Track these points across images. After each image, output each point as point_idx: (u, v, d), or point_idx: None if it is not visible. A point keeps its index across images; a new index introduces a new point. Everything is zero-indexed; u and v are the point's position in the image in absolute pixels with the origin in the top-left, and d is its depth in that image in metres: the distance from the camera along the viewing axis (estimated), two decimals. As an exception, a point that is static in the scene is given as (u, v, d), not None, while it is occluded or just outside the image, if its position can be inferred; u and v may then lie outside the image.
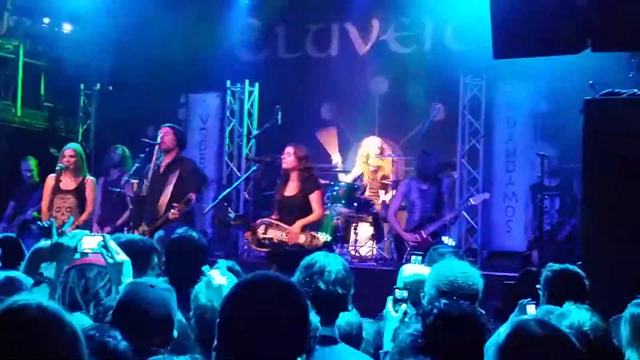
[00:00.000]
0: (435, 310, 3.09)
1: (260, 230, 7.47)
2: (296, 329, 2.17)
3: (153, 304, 3.02)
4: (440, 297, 3.65)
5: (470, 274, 3.79)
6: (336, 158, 10.48)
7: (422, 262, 5.00)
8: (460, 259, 4.84)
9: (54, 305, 1.91)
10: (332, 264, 3.67)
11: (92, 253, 3.45)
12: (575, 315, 3.49)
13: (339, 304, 3.60)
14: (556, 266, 4.65)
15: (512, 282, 5.87)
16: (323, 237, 7.34)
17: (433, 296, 3.74)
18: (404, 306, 3.88)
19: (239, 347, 2.12)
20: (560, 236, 7.91)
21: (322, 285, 3.57)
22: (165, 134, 7.84)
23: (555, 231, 7.91)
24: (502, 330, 2.27)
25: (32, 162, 8.89)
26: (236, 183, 10.12)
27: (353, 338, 3.97)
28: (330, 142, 10.77)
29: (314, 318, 2.86)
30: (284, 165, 7.51)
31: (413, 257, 5.16)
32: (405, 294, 3.92)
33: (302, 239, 7.23)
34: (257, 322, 2.12)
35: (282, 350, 2.12)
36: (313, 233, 7.30)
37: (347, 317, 3.86)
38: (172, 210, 7.43)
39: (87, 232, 3.49)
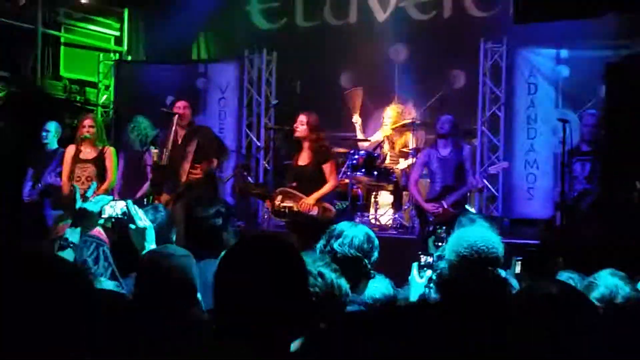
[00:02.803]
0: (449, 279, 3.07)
1: (278, 199, 7.46)
2: (289, 292, 2.16)
3: (172, 270, 3.04)
4: (460, 261, 3.65)
5: (491, 239, 3.77)
6: (356, 118, 10.39)
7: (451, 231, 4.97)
8: (490, 225, 4.83)
9: None
10: (353, 230, 3.70)
11: (115, 218, 3.48)
12: (605, 284, 3.46)
13: (356, 268, 3.59)
14: None
15: (533, 249, 5.84)
16: (335, 208, 7.36)
17: (452, 261, 3.73)
18: (429, 272, 3.88)
19: (231, 310, 2.13)
20: (583, 204, 7.81)
21: (337, 248, 3.60)
22: (185, 107, 7.84)
23: (581, 198, 7.81)
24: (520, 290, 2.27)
25: (52, 125, 8.90)
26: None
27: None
28: (355, 102, 10.68)
29: (344, 284, 2.86)
30: (297, 134, 7.47)
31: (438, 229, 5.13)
32: (430, 259, 3.92)
33: (314, 210, 7.23)
34: (246, 286, 2.12)
35: (278, 314, 2.12)
36: (326, 205, 7.29)
37: (382, 289, 3.85)
38: (194, 171, 7.45)
39: (110, 197, 3.51)
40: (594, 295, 3.50)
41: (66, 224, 3.46)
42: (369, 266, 3.69)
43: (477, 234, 3.81)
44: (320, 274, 2.77)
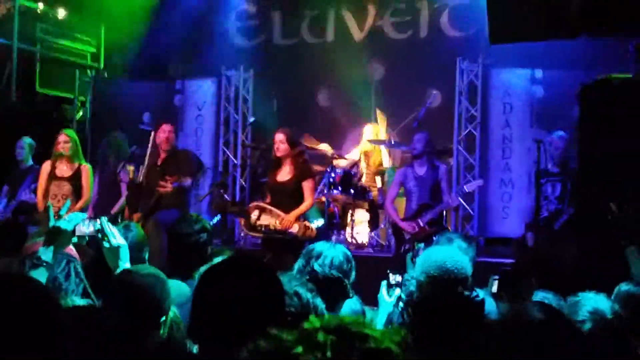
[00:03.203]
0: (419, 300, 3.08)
1: (254, 214, 7.38)
2: (266, 312, 2.18)
3: (140, 290, 3.03)
4: (429, 282, 3.67)
5: (459, 259, 3.78)
6: (323, 146, 10.43)
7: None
8: (469, 245, 4.86)
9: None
10: (331, 250, 3.75)
11: (89, 236, 3.45)
12: (594, 302, 3.48)
13: (337, 288, 3.64)
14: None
15: (508, 268, 5.87)
16: (316, 224, 7.32)
17: (422, 282, 3.74)
18: (397, 291, 3.89)
19: (209, 329, 2.16)
20: (557, 224, 7.89)
21: (318, 268, 3.64)
22: (170, 132, 7.78)
23: (553, 218, 7.90)
24: (501, 313, 2.27)
25: (26, 141, 8.83)
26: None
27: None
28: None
29: (320, 304, 2.88)
30: (278, 154, 7.36)
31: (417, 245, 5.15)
32: (399, 278, 3.93)
33: (295, 228, 7.14)
34: (224, 305, 2.17)
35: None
36: (307, 223, 7.23)
37: (351, 305, 3.87)
38: (163, 184, 7.36)
39: (84, 215, 3.49)
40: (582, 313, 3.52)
41: (39, 242, 3.43)
42: (349, 286, 3.72)
43: (445, 254, 3.82)
44: (296, 294, 2.78)
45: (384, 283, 3.95)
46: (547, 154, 8.15)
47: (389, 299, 3.89)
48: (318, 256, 3.70)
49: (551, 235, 7.76)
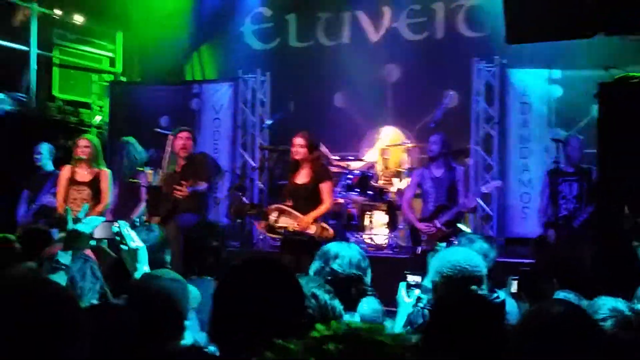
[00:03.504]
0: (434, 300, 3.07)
1: (273, 216, 7.41)
2: (287, 313, 2.19)
3: (163, 295, 3.03)
4: (444, 281, 3.66)
5: (473, 258, 3.77)
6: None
7: None
8: (490, 245, 4.85)
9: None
10: (347, 249, 3.79)
11: (108, 239, 3.49)
12: (614, 302, 3.46)
13: (356, 287, 3.66)
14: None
15: (527, 268, 5.85)
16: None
17: (437, 282, 3.74)
18: (417, 291, 3.88)
19: (229, 331, 2.17)
20: (576, 222, 7.86)
21: (338, 268, 3.68)
22: (187, 139, 7.83)
23: (572, 217, 7.87)
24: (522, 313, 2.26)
25: (44, 147, 8.90)
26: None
27: (379, 326, 3.97)
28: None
29: (338, 305, 2.88)
30: (297, 157, 7.40)
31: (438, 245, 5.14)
32: (417, 279, 3.91)
33: (312, 229, 7.18)
34: (245, 306, 2.17)
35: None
36: (324, 224, 7.26)
37: (372, 305, 3.88)
38: (180, 188, 7.43)
39: (102, 218, 3.51)
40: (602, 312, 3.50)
41: (58, 245, 3.45)
42: (368, 283, 3.75)
43: (459, 253, 3.81)
44: (314, 296, 2.78)
45: (402, 284, 3.95)
46: (563, 153, 8.12)
47: (408, 299, 3.88)
48: (335, 257, 3.73)
49: (571, 234, 7.73)
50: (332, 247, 3.84)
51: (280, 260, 2.40)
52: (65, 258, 3.24)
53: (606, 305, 3.37)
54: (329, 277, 3.58)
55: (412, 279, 3.92)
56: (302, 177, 7.40)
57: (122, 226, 3.48)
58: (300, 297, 2.32)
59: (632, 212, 6.03)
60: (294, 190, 7.42)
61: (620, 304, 3.46)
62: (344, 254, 3.75)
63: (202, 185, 7.64)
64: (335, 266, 3.69)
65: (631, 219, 5.98)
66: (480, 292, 3.51)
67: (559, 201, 7.86)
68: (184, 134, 7.85)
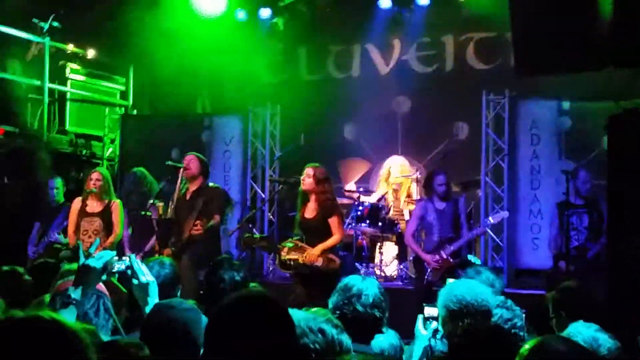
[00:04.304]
0: (459, 331, 3.07)
1: (284, 251, 7.49)
2: (277, 350, 2.19)
3: (174, 324, 3.04)
4: (450, 316, 3.67)
5: (480, 292, 3.77)
6: (350, 186, 10.51)
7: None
8: (497, 276, 4.84)
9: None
10: (370, 287, 3.81)
11: (119, 273, 3.49)
12: (583, 338, 3.45)
13: (375, 326, 3.70)
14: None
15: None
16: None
17: (444, 316, 3.74)
18: (434, 324, 3.86)
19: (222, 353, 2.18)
20: (589, 254, 7.84)
21: (360, 308, 3.71)
22: (190, 161, 7.86)
23: (585, 248, 7.84)
24: (526, 346, 2.26)
25: (58, 181, 8.98)
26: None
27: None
28: (354, 171, 10.83)
29: (346, 340, 2.88)
30: (303, 187, 7.49)
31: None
32: (434, 311, 3.89)
33: (319, 262, 7.24)
34: (234, 344, 2.17)
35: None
36: (331, 256, 7.30)
37: (390, 340, 3.86)
38: (194, 227, 7.50)
39: (113, 252, 3.52)
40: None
41: (69, 280, 3.46)
42: (385, 321, 3.77)
43: (465, 287, 3.80)
44: (321, 330, 2.78)
45: (420, 316, 3.93)
46: (572, 185, 8.10)
47: (425, 332, 3.86)
48: (359, 295, 3.74)
49: (585, 267, 7.69)
50: (354, 282, 3.83)
51: (268, 295, 2.39)
52: (76, 293, 3.25)
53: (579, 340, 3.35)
54: (349, 315, 3.60)
55: (429, 311, 3.90)
56: (310, 211, 7.47)
57: (133, 260, 3.49)
58: (291, 334, 2.31)
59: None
60: (304, 225, 7.50)
61: (594, 333, 3.45)
62: (368, 292, 3.76)
63: (216, 221, 7.70)
64: (359, 307, 3.71)
65: None
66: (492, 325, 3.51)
67: (570, 232, 7.84)
68: (188, 157, 7.89)
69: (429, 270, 8.02)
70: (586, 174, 8.08)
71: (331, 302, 3.80)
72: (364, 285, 3.80)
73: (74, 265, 3.48)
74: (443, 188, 8.17)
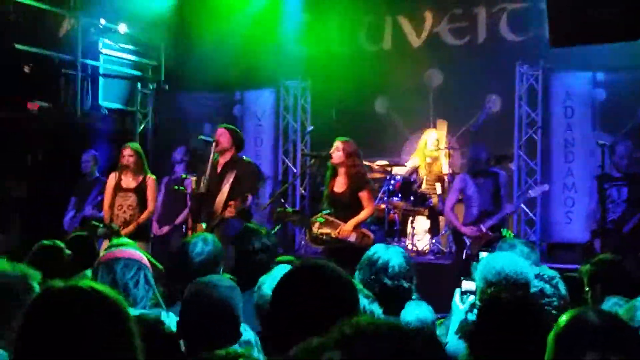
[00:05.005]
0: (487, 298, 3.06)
1: (315, 226, 7.43)
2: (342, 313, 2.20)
3: (216, 303, 3.07)
4: (488, 287, 3.66)
5: (519, 264, 3.76)
6: (380, 161, 10.41)
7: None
8: (531, 250, 4.82)
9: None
10: (394, 257, 3.79)
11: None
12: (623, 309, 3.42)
13: (405, 296, 3.70)
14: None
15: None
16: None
17: (482, 288, 3.74)
18: (471, 297, 3.85)
19: (287, 339, 2.17)
20: (626, 228, 7.75)
21: (388, 282, 3.73)
22: (220, 135, 7.77)
23: (622, 222, 7.76)
24: (561, 320, 2.24)
25: (91, 155, 9.09)
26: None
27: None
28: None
29: (377, 309, 2.90)
30: (333, 160, 7.42)
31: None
32: (472, 285, 3.88)
33: (353, 237, 7.19)
34: (300, 312, 2.18)
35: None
36: (364, 231, 7.26)
37: (419, 314, 3.86)
38: (228, 208, 7.48)
39: (134, 243, 3.54)
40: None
41: (111, 252, 3.51)
42: (413, 288, 3.77)
43: (504, 259, 3.79)
44: None
45: (457, 290, 3.93)
46: (610, 159, 8.01)
47: (462, 306, 3.86)
48: (385, 269, 3.73)
49: (621, 240, 7.63)
50: (379, 254, 3.83)
51: (330, 263, 2.39)
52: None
53: None
54: (377, 290, 3.61)
55: (467, 285, 3.89)
56: (340, 185, 7.39)
57: None
58: (356, 300, 2.32)
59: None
60: (333, 199, 7.42)
61: None
62: (394, 263, 3.75)
63: (249, 200, 7.64)
64: (386, 280, 3.71)
65: None
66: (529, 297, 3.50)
67: (607, 205, 7.76)
68: (219, 131, 7.82)
69: (468, 243, 7.98)
70: (624, 149, 7.97)
71: (357, 277, 3.80)
72: (388, 256, 3.80)
73: (122, 239, 3.53)
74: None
